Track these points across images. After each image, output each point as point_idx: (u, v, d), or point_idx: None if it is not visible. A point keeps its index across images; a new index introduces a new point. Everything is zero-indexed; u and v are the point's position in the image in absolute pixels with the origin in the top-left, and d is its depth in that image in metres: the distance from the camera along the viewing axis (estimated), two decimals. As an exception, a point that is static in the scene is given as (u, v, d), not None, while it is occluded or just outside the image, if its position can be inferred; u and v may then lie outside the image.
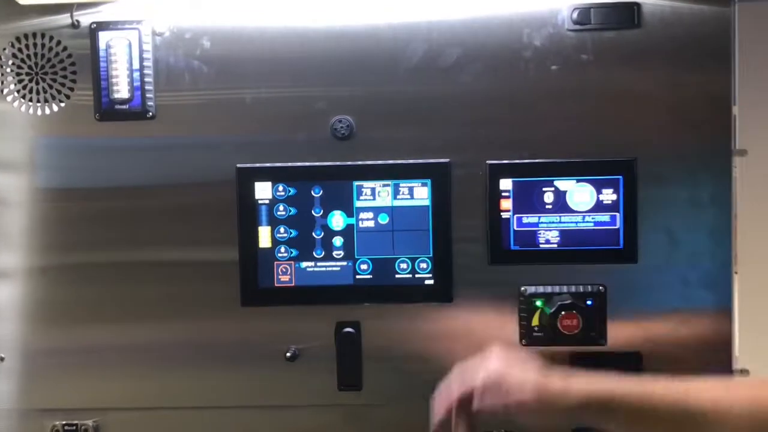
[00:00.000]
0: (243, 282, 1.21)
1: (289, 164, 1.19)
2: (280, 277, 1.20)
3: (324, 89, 1.19)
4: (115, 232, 1.22)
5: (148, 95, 1.19)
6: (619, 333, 1.19)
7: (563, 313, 1.14)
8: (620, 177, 1.17)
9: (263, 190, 1.19)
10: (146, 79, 1.18)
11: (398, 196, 1.19)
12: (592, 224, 1.18)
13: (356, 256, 1.20)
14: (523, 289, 1.19)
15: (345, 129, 1.19)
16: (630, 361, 1.19)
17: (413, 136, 1.19)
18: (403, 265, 1.19)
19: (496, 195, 1.18)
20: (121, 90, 1.19)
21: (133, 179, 1.21)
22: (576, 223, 1.18)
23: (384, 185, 1.19)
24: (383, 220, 1.19)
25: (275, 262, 1.20)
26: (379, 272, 1.19)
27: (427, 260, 1.19)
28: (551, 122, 1.18)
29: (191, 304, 1.23)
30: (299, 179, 1.19)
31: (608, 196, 1.18)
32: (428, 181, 1.18)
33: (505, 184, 1.18)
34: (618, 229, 1.18)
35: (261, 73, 1.19)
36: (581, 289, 1.18)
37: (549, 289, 1.18)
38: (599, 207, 1.18)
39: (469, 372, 0.83)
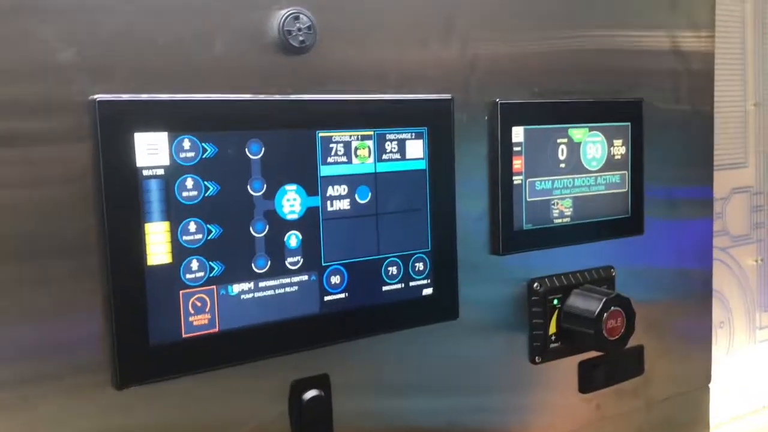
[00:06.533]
0: (119, 340, 0.58)
1: (204, 97, 0.61)
2: (191, 319, 0.62)
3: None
4: None
5: None
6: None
7: (608, 311, 0.82)
8: (628, 124, 0.89)
9: (153, 149, 0.59)
10: None
11: (384, 156, 0.71)
12: (603, 188, 0.88)
13: (323, 263, 0.68)
14: (536, 285, 0.83)
15: (304, 33, 0.65)
16: (633, 359, 0.94)
17: (391, 57, 0.72)
18: (393, 269, 0.72)
19: (508, 150, 0.79)
20: None
21: None
22: (589, 187, 0.86)
23: (364, 137, 0.69)
24: (363, 197, 0.70)
25: (181, 291, 0.61)
26: (358, 286, 0.70)
27: (425, 257, 0.74)
28: (555, 44, 0.83)
29: (19, 385, 0.55)
30: (224, 127, 0.62)
31: (618, 149, 0.89)
32: (424, 130, 0.73)
33: (517, 133, 0.80)
34: (626, 193, 0.90)
35: None
36: (594, 275, 0.88)
37: (563, 280, 0.85)
38: (610, 164, 0.88)
39: None
